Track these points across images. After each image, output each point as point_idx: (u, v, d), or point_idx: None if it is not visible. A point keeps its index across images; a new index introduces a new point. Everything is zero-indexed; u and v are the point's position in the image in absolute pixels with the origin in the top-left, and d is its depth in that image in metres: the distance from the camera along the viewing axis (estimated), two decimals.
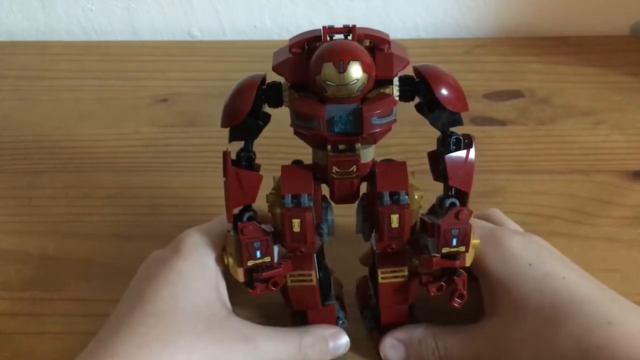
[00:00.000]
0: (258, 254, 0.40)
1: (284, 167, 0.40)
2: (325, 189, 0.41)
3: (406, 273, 0.42)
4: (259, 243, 0.39)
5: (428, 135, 0.42)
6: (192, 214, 0.57)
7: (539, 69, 0.73)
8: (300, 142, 0.40)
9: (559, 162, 0.61)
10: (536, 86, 0.70)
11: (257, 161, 0.41)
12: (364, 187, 0.41)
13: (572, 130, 0.65)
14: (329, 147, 0.38)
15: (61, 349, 0.47)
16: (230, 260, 0.41)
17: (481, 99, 0.69)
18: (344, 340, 0.44)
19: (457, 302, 0.41)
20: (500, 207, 0.56)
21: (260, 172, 0.40)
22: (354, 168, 0.39)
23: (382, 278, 0.42)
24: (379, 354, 0.45)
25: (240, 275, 0.41)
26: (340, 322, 0.46)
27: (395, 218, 0.39)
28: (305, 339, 0.43)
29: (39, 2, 0.79)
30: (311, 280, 0.42)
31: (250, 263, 0.40)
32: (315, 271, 0.42)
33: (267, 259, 0.40)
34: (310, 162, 0.41)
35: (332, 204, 0.42)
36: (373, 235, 0.42)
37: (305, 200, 0.39)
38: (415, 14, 0.79)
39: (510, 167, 0.61)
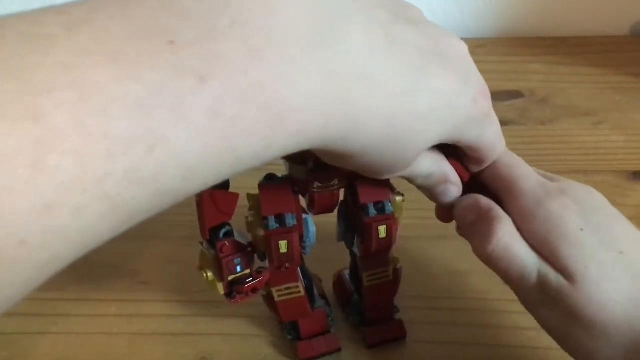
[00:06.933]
0: (238, 268, 0.39)
1: (261, 186, 0.38)
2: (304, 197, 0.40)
3: (390, 272, 0.42)
4: (239, 259, 0.39)
5: None
6: (192, 214, 0.57)
7: (539, 69, 0.73)
8: None
9: (559, 162, 0.61)
10: (536, 86, 0.70)
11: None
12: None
13: (572, 130, 0.65)
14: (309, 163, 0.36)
15: (61, 349, 0.47)
16: (210, 275, 0.40)
17: None
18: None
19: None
20: None
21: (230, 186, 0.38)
22: (335, 181, 0.38)
23: (368, 281, 0.42)
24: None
25: (220, 289, 0.40)
26: (330, 319, 0.45)
27: (382, 229, 0.38)
28: None
29: (39, 2, 0.79)
30: (299, 292, 0.42)
31: (230, 278, 0.39)
32: (301, 281, 0.42)
33: (247, 271, 0.39)
34: (282, 173, 0.39)
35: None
36: (355, 240, 0.41)
37: (289, 219, 0.37)
38: None
39: None
